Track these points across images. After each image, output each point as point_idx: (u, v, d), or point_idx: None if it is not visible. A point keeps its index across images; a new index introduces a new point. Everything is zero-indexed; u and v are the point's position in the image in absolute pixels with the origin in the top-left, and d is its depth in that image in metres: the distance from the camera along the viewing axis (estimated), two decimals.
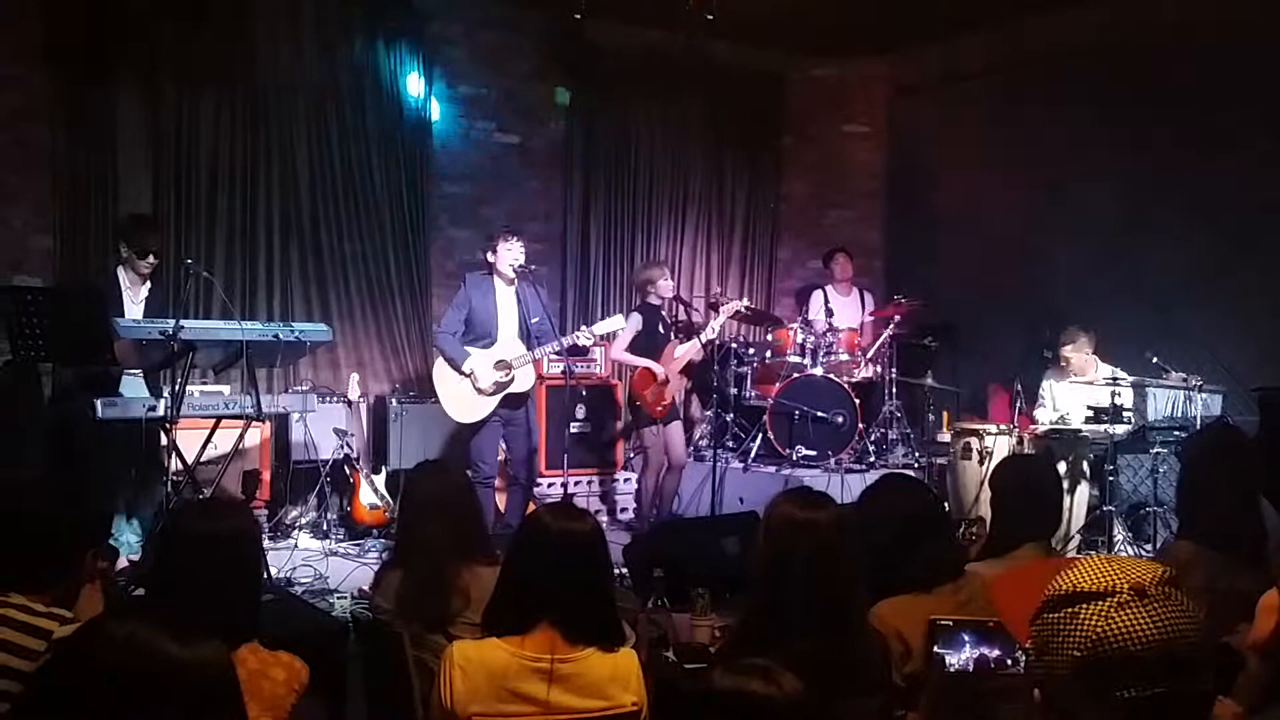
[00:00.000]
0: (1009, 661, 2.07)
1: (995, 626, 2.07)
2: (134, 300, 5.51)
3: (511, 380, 6.04)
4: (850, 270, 8.45)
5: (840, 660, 2.37)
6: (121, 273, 5.53)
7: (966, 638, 2.09)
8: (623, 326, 6.65)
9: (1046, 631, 1.32)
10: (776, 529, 2.50)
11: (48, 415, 5.42)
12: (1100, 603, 1.28)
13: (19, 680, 2.14)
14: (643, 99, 8.73)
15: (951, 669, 2.10)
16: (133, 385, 5.15)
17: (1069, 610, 1.29)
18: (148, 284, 5.56)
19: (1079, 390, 6.55)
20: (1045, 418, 6.64)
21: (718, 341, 7.19)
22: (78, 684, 1.48)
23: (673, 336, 7.02)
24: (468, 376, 6.00)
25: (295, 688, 2.31)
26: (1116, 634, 1.25)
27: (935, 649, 2.11)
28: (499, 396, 6.04)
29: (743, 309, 7.37)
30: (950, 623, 2.12)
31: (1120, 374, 6.30)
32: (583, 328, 6.41)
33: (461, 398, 6.04)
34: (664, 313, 7.08)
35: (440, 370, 6.13)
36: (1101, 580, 1.29)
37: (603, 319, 6.73)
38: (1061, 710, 1.30)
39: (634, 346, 6.85)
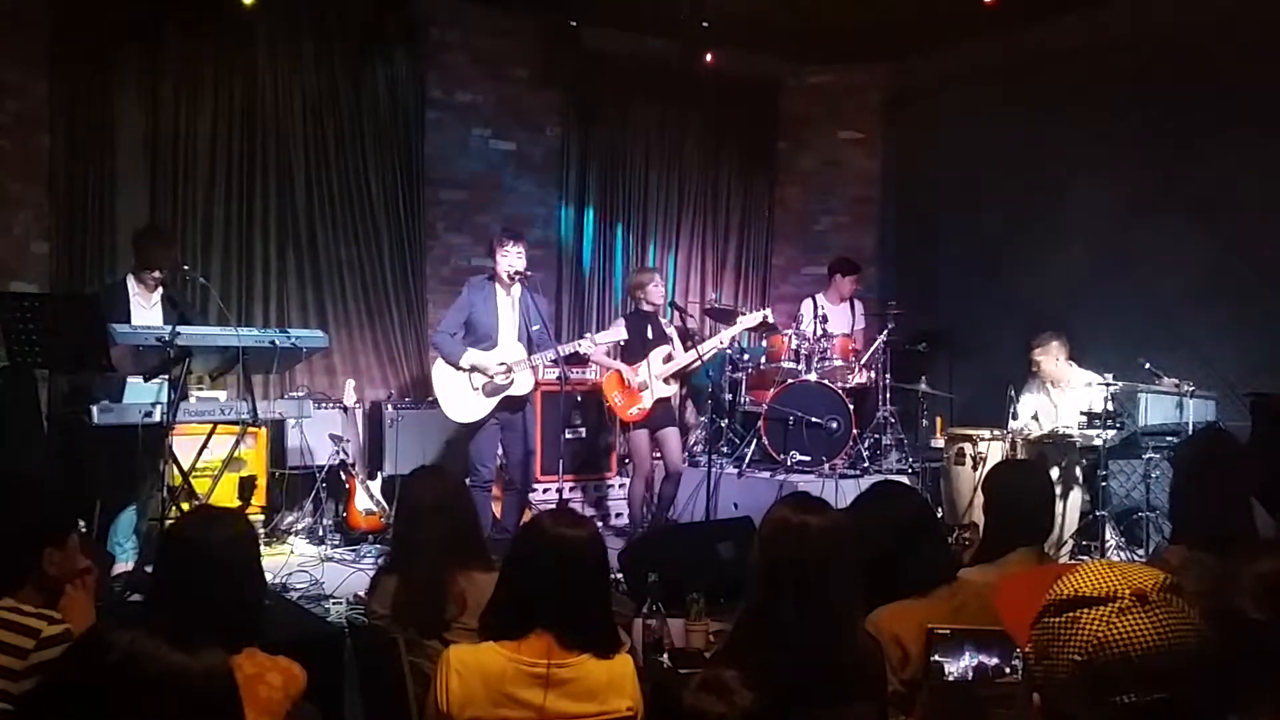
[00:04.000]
0: (1007, 668, 2.08)
1: (993, 633, 2.09)
2: (145, 306, 5.51)
3: (511, 383, 6.05)
4: (851, 288, 8.31)
5: (834, 665, 2.38)
6: (131, 280, 5.53)
7: (964, 645, 2.10)
8: (624, 338, 6.65)
9: (1047, 636, 1.32)
10: (770, 533, 2.51)
11: (45, 421, 5.43)
12: (1102, 608, 1.28)
13: (9, 678, 2.18)
14: (639, 105, 8.74)
15: (950, 677, 2.11)
16: (138, 391, 5.14)
17: (1070, 615, 1.30)
18: (159, 290, 5.55)
19: (1056, 397, 6.57)
20: (1015, 427, 6.62)
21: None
22: (80, 693, 1.48)
23: (677, 342, 6.99)
24: (468, 372, 6.01)
25: (291, 693, 2.32)
26: (1117, 639, 1.26)
27: (934, 657, 2.12)
28: (497, 398, 6.06)
29: (766, 318, 7.23)
30: (948, 631, 2.14)
31: (1094, 378, 6.29)
32: (586, 335, 6.41)
33: (460, 397, 6.06)
34: (660, 319, 7.08)
35: (439, 370, 6.14)
36: (1103, 585, 1.30)
37: (598, 329, 6.73)
38: (1061, 714, 1.31)
39: (623, 351, 6.87)
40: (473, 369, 6.03)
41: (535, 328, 6.15)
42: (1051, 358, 6.55)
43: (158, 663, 1.49)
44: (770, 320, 7.37)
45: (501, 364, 6.04)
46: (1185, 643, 1.27)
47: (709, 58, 8.17)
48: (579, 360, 7.13)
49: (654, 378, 6.78)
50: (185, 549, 2.39)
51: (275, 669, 2.31)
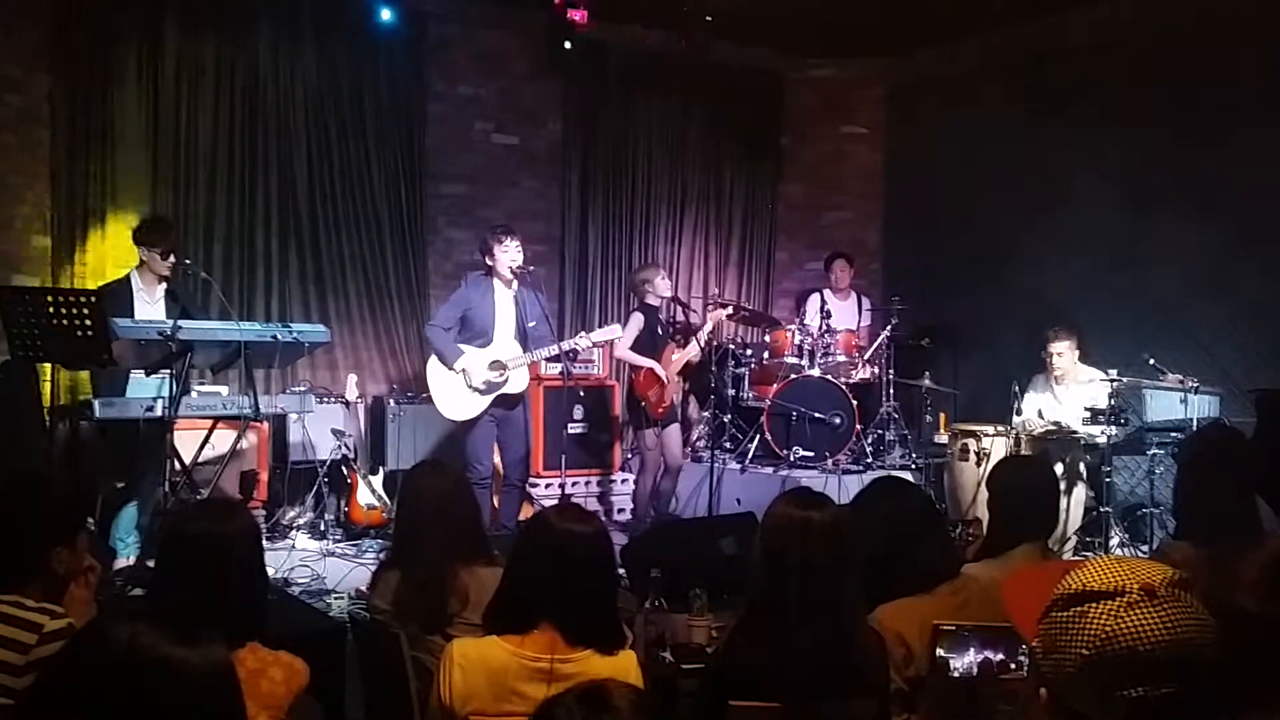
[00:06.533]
0: (1012, 664, 2.07)
1: (999, 628, 2.08)
2: (149, 301, 5.50)
3: (505, 381, 6.04)
4: (848, 278, 8.41)
5: (836, 661, 2.38)
6: (135, 275, 5.53)
7: (970, 641, 2.09)
8: (619, 335, 6.64)
9: (1055, 630, 1.32)
10: (773, 528, 2.52)
11: (46, 415, 5.43)
12: (1110, 602, 1.28)
13: (10, 673, 2.18)
14: (641, 100, 8.73)
15: (956, 672, 2.10)
16: (140, 386, 5.14)
17: (1078, 609, 1.29)
18: (163, 285, 5.54)
19: (1061, 394, 6.55)
20: (1018, 423, 6.58)
21: (715, 342, 7.18)
22: (81, 686, 1.48)
23: (670, 339, 7.01)
24: (460, 374, 6.00)
25: (293, 688, 2.31)
26: (1125, 633, 1.25)
27: (940, 652, 2.11)
28: (491, 396, 6.04)
29: (744, 311, 7.32)
30: (954, 626, 2.13)
31: (1099, 374, 6.27)
32: (581, 333, 6.41)
33: (453, 395, 6.04)
34: (661, 314, 7.08)
35: (433, 366, 6.13)
36: (1111, 580, 1.30)
37: (601, 326, 6.74)
38: (1068, 709, 1.30)
39: (637, 346, 6.86)
40: (464, 371, 6.02)
41: (532, 324, 6.14)
42: (1068, 351, 6.51)
43: (159, 656, 1.49)
44: (742, 308, 7.40)
45: (495, 362, 6.02)
46: (1193, 638, 1.26)
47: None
48: (575, 356, 7.11)
49: (672, 374, 6.81)
50: (187, 544, 2.39)
51: (277, 664, 2.31)
